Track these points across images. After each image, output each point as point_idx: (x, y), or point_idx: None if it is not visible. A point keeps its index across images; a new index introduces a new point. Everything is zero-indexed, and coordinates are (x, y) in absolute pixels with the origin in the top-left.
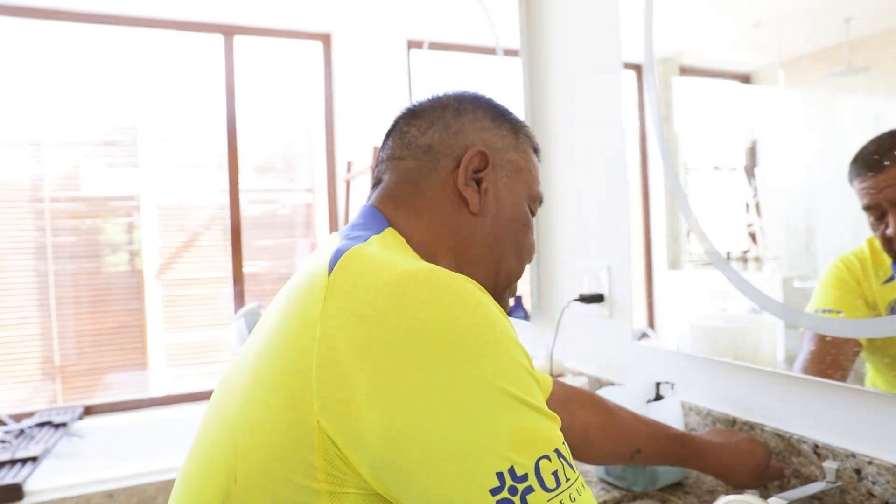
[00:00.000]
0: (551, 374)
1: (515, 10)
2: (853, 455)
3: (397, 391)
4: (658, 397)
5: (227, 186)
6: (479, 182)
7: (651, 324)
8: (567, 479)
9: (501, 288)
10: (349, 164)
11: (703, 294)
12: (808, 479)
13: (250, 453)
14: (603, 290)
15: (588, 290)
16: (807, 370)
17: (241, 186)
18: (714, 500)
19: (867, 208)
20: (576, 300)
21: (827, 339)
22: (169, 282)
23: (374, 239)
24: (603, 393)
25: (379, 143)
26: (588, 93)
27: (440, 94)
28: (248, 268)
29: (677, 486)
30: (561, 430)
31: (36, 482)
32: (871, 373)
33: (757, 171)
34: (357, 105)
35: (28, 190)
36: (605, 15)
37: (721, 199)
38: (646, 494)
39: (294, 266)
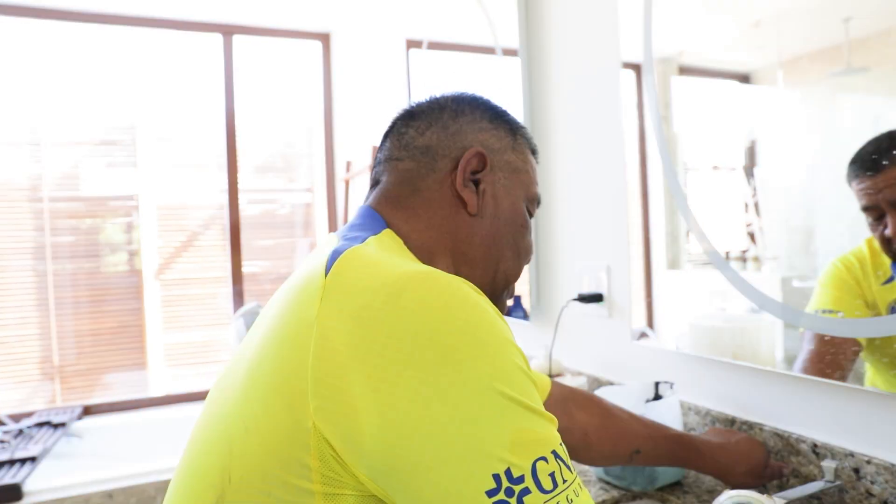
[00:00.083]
0: (550, 374)
1: (514, 9)
2: (852, 454)
3: (394, 393)
4: (657, 397)
5: (226, 186)
6: (477, 183)
7: (650, 323)
8: (564, 481)
9: (499, 289)
10: (348, 164)
11: (703, 294)
12: (807, 479)
13: (245, 453)
14: (602, 289)
15: (587, 289)
16: (806, 370)
17: (240, 186)
18: (713, 499)
19: (866, 209)
20: (575, 300)
21: (826, 338)
22: (168, 282)
23: (372, 240)
24: (602, 393)
25: (378, 143)
26: (587, 93)
27: (438, 95)
28: (247, 268)
29: (676, 486)
30: (559, 431)
31: (35, 482)
32: (870, 372)
33: (756, 170)
34: (356, 105)
35: (27, 190)
36: (604, 15)
37: (720, 199)
38: (645, 494)
39: (293, 266)
